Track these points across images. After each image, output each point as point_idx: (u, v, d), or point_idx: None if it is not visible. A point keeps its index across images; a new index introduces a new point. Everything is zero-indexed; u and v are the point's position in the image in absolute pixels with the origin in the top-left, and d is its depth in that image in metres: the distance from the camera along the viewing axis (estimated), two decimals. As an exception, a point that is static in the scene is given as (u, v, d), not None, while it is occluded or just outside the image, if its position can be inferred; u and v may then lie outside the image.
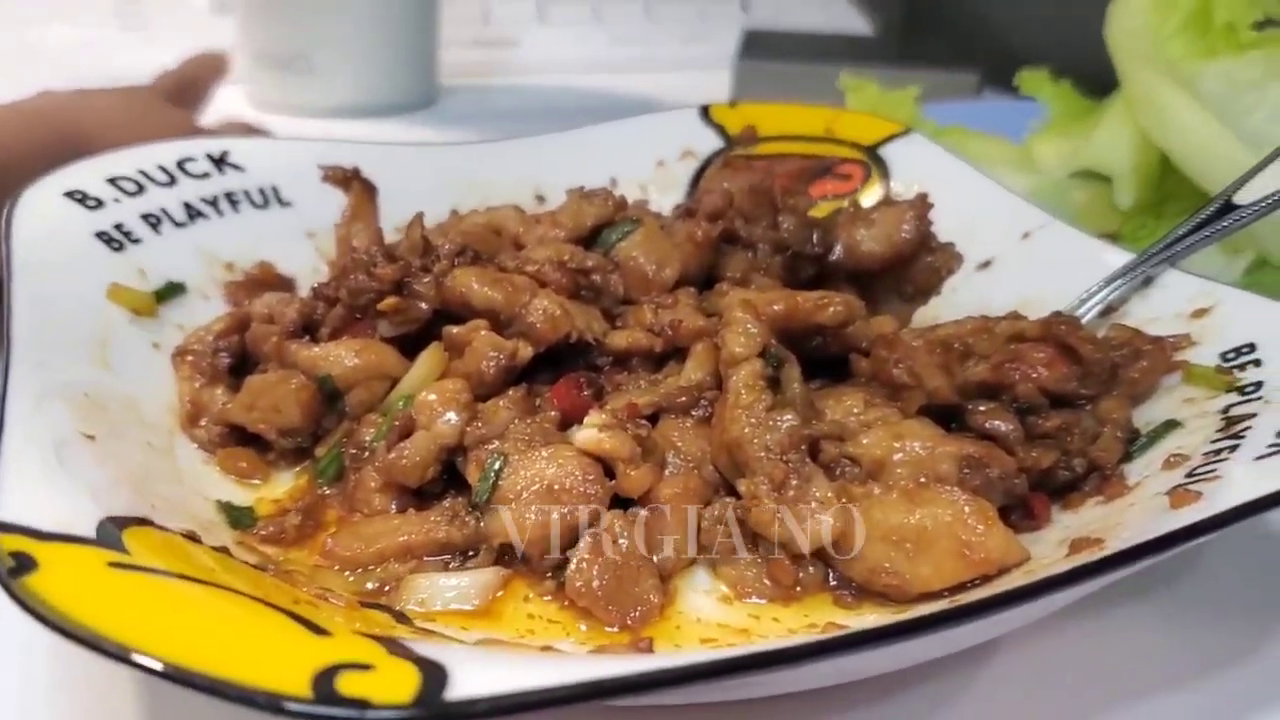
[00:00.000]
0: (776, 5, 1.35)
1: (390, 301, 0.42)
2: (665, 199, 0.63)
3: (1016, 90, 0.80)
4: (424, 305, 0.43)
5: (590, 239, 0.47)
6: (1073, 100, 0.76)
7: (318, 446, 0.42)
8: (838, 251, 0.49)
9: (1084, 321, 0.48)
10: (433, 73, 1.05)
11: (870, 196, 0.60)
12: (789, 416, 0.38)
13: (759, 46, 1.07)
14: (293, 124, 0.97)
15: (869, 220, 0.49)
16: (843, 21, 1.34)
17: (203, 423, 0.43)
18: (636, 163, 0.63)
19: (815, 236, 0.48)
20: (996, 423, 0.40)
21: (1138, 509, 0.36)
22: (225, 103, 1.01)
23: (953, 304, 0.53)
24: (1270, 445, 0.34)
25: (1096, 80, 0.74)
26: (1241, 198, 0.49)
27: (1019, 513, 0.39)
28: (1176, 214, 0.67)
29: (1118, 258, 0.49)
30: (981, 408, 0.41)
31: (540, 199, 0.61)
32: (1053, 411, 0.41)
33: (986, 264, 0.54)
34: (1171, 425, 0.40)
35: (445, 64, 1.10)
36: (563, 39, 1.24)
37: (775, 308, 0.42)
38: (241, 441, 0.43)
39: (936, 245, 0.49)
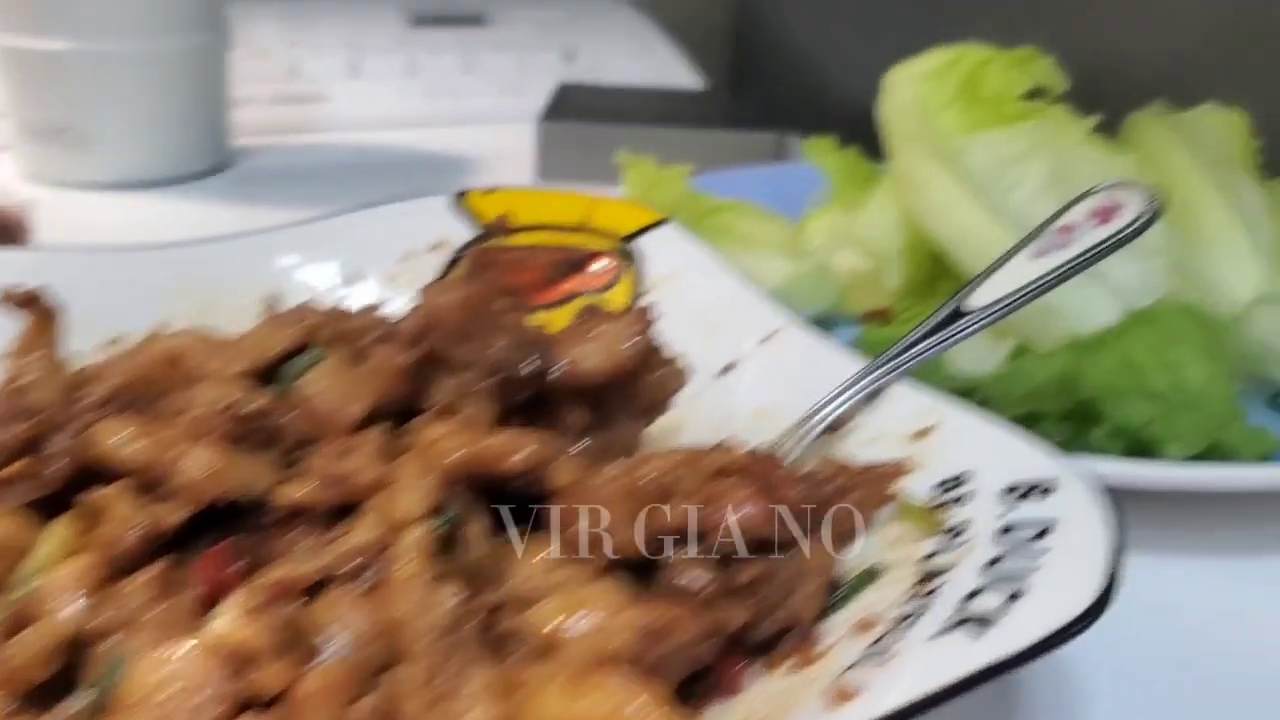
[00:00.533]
0: (601, 57, 1.32)
1: (16, 467, 0.37)
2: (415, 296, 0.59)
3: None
4: (59, 467, 0.38)
5: (276, 369, 0.43)
6: (858, 168, 0.74)
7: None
8: (558, 370, 0.45)
9: (811, 438, 0.45)
10: (223, 136, 1.00)
11: (620, 292, 0.57)
12: (451, 590, 0.34)
13: (567, 105, 1.04)
14: (67, 198, 0.92)
15: (590, 336, 0.46)
16: (672, 75, 1.31)
17: None
18: (381, 256, 0.59)
19: (533, 356, 0.45)
20: (690, 577, 0.37)
21: (818, 685, 0.33)
22: (-4, 173, 0.95)
23: (695, 412, 0.50)
24: (949, 619, 0.32)
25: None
26: (973, 302, 0.47)
27: (708, 681, 0.36)
28: (947, 293, 0.66)
29: (852, 364, 0.47)
30: (677, 558, 0.38)
31: (272, 301, 0.57)
32: (754, 559, 0.38)
33: (728, 369, 0.51)
34: (871, 575, 0.37)
35: (244, 123, 1.05)
36: (375, 93, 1.20)
37: (456, 456, 0.38)
38: None
39: (660, 361, 0.46)
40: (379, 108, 1.18)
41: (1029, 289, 0.46)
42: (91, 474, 0.39)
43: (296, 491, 0.39)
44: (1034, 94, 0.65)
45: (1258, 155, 0.67)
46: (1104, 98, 0.68)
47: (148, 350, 0.45)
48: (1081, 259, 0.47)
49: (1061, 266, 0.47)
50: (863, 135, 0.75)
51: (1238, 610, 0.49)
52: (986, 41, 0.67)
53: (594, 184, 0.73)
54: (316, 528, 0.39)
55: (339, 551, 0.37)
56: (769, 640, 0.37)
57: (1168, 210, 0.53)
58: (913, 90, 0.66)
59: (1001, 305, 0.46)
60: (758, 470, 0.39)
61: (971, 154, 0.62)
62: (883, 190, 0.66)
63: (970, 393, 0.55)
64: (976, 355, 0.58)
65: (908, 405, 0.44)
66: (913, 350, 0.45)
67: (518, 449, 0.38)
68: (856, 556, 0.39)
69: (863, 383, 0.45)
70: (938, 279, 0.65)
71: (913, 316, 0.63)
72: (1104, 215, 0.48)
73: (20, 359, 0.45)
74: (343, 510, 0.40)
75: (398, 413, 0.44)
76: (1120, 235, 0.47)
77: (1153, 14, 0.99)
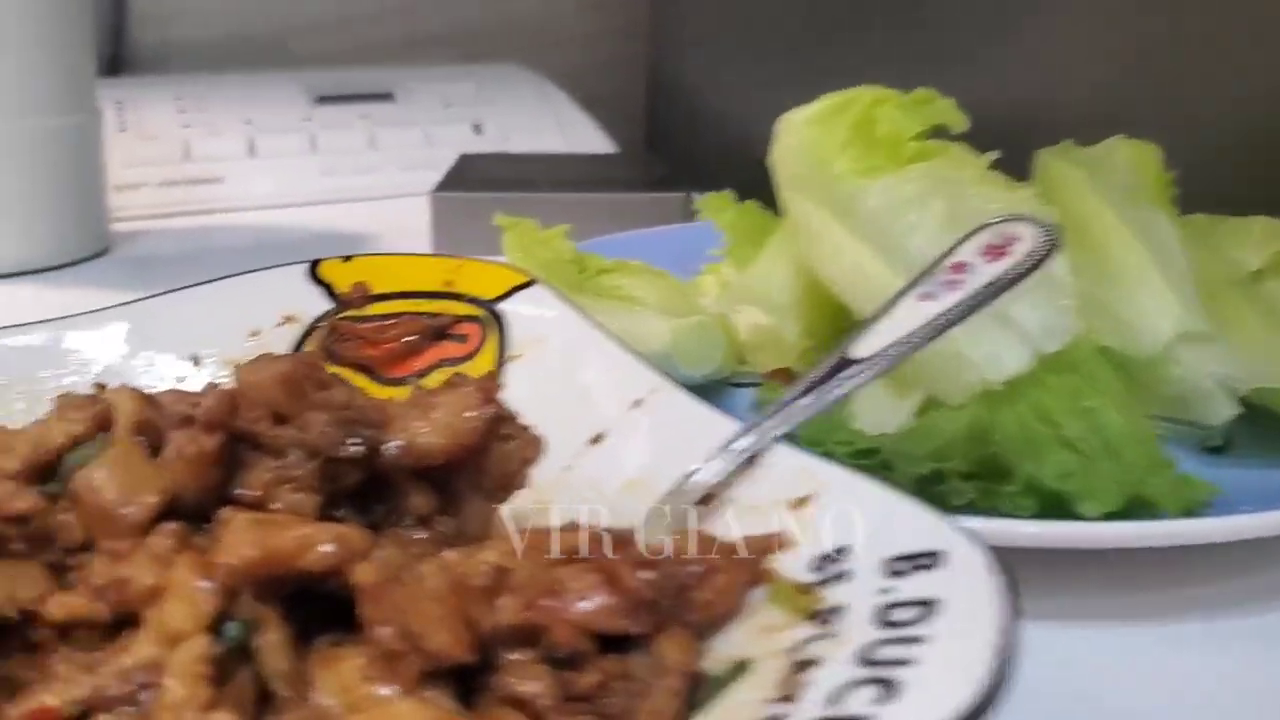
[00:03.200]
0: (511, 127, 1.28)
1: None
2: (260, 376, 0.53)
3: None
4: None
5: (57, 463, 0.38)
6: (756, 220, 0.70)
7: None
8: (393, 449, 0.40)
9: (683, 512, 0.40)
10: (101, 221, 0.94)
11: (485, 358, 0.52)
12: None
13: (469, 174, 1.00)
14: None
15: (429, 407, 0.40)
16: (584, 142, 1.28)
17: None
18: (224, 334, 0.54)
19: (356, 435, 0.39)
20: (525, 685, 0.31)
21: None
22: None
23: (566, 484, 0.45)
24: (809, 724, 0.26)
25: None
26: (859, 350, 0.42)
27: (543, 810, 0.30)
28: (851, 347, 0.61)
29: (728, 428, 0.42)
30: (511, 660, 0.32)
31: (98, 389, 0.51)
32: (602, 658, 0.32)
33: (599, 438, 0.46)
34: (740, 669, 0.32)
35: (130, 207, 1.00)
36: (273, 171, 1.15)
37: (244, 554, 0.32)
38: None
39: (511, 430, 0.41)
40: (277, 187, 1.14)
41: (919, 333, 0.42)
42: None
43: (68, 605, 0.33)
44: (933, 135, 0.61)
45: (1171, 188, 0.63)
46: (1011, 138, 0.64)
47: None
48: (974, 299, 0.42)
49: (952, 308, 0.42)
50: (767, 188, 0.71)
51: (1164, 675, 0.44)
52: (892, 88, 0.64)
53: (495, 254, 0.68)
54: (92, 644, 0.33)
55: (107, 673, 0.31)
56: (618, 754, 0.31)
57: (1069, 244, 0.49)
58: (803, 135, 0.62)
59: (889, 352, 0.41)
60: (604, 555, 0.33)
61: (867, 198, 0.58)
62: (775, 241, 0.61)
63: (872, 453, 0.50)
64: (880, 413, 0.53)
65: (787, 470, 0.39)
66: (794, 407, 0.40)
67: (315, 544, 0.33)
68: (724, 648, 0.33)
69: (739, 446, 0.40)
70: (841, 332, 0.60)
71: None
72: (996, 252, 0.44)
73: None
74: (122, 624, 0.34)
75: (204, 506, 0.38)
76: (1015, 272, 0.43)
77: (1061, 50, 0.97)
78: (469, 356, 0.52)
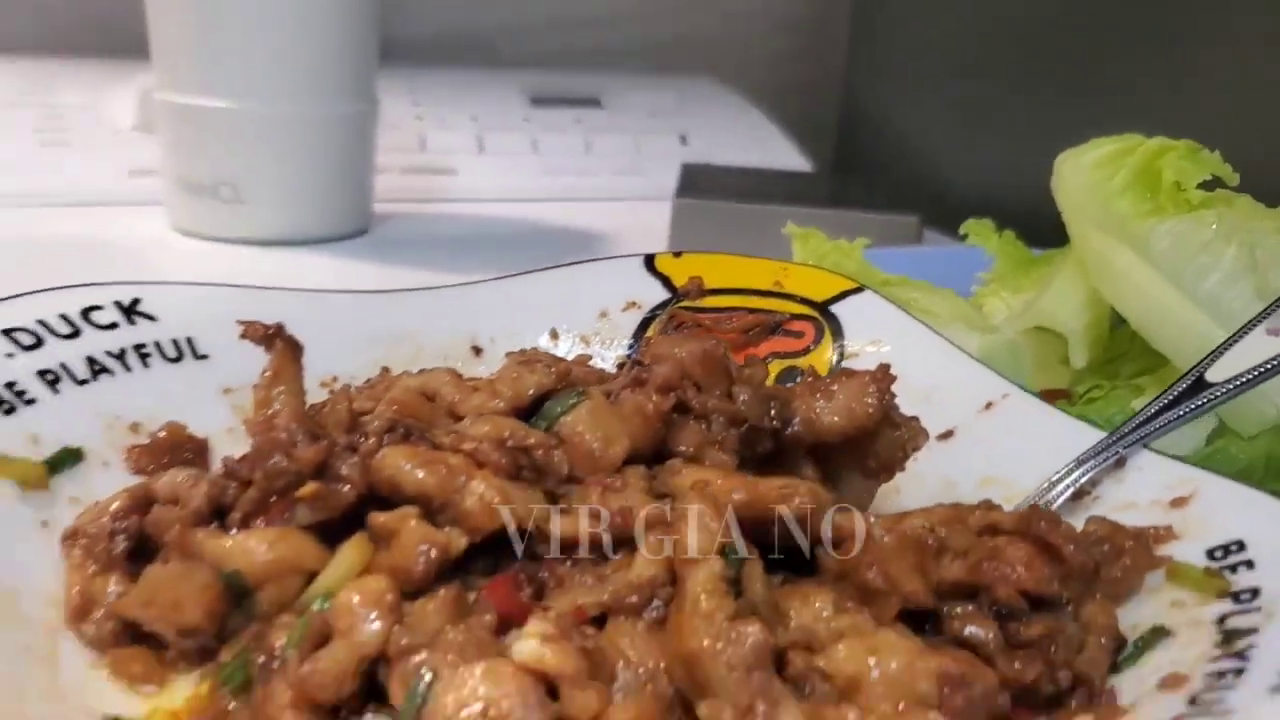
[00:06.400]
0: (714, 140, 1.34)
1: (310, 488, 0.38)
2: (608, 351, 0.59)
3: (953, 230, 0.79)
4: (348, 489, 0.39)
5: (532, 409, 0.44)
6: (1017, 252, 0.75)
7: (224, 647, 0.38)
8: (796, 425, 0.46)
9: (1055, 506, 0.45)
10: (367, 202, 1.02)
11: (823, 356, 0.57)
12: (754, 629, 0.34)
13: (697, 183, 1.06)
14: (216, 249, 0.94)
15: (828, 392, 0.46)
16: (781, 157, 1.34)
17: (93, 617, 0.38)
18: (578, 313, 0.60)
19: (773, 409, 0.45)
20: (975, 630, 0.37)
21: (1137, 738, 0.33)
22: (145, 223, 0.97)
23: (915, 476, 0.50)
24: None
25: (1036, 228, 0.73)
26: (1214, 375, 0.47)
27: (1002, 734, 0.35)
28: (1130, 374, 0.66)
29: (1084, 434, 0.47)
30: (959, 610, 0.38)
31: (477, 350, 0.58)
32: (1034, 616, 0.38)
33: (948, 434, 0.51)
34: (1160, 633, 0.37)
35: (379, 190, 1.08)
36: (499, 167, 1.22)
37: (735, 497, 0.38)
38: (136, 639, 0.38)
39: (899, 419, 0.46)
40: (504, 183, 1.21)
41: (1272, 363, 0.46)
42: (371, 501, 0.40)
43: (572, 525, 0.39)
44: (1209, 185, 0.66)
45: None
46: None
47: (401, 384, 0.46)
48: (1318, 338, 0.47)
49: (1300, 344, 0.47)
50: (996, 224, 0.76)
51: None
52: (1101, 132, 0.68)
53: None
54: (589, 560, 0.39)
55: (622, 584, 0.37)
56: (1056, 696, 0.37)
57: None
58: (1086, 176, 0.67)
59: (1245, 379, 0.46)
60: (1034, 528, 0.39)
61: (1157, 239, 0.62)
62: (1067, 270, 0.66)
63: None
64: (1173, 438, 0.57)
65: (1159, 474, 0.44)
66: (1156, 420, 0.45)
67: (795, 494, 0.39)
68: (1134, 618, 0.39)
69: (1107, 451, 0.45)
70: (1118, 359, 0.65)
71: (1094, 397, 0.63)
72: (1339, 296, 0.48)
73: (270, 389, 0.46)
74: (612, 545, 0.40)
75: (648, 458, 0.44)
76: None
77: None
78: (804, 352, 0.58)
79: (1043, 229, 0.71)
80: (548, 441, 0.41)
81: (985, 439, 0.50)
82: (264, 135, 0.92)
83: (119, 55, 1.16)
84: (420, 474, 0.39)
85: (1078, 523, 0.44)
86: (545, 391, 0.44)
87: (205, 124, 0.91)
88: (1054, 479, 0.46)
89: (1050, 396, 0.65)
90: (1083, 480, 0.45)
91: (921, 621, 0.38)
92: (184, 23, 0.89)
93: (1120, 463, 0.45)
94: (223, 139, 0.91)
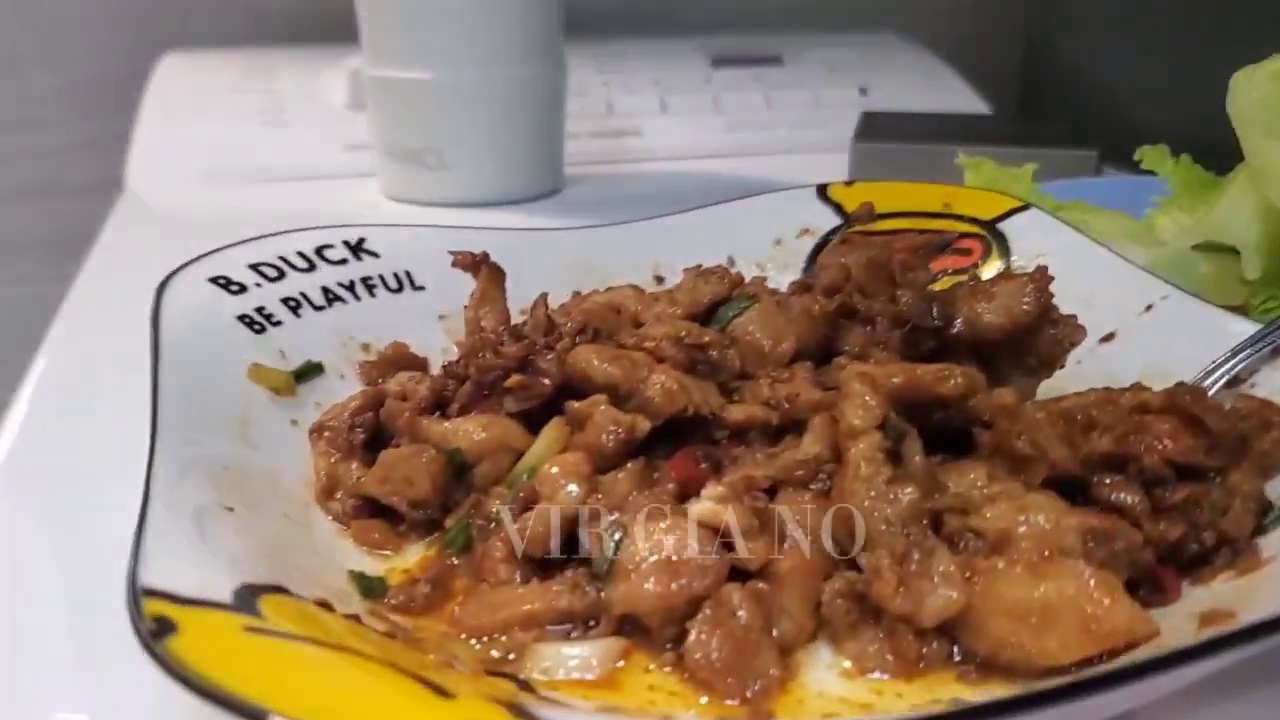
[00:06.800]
0: (894, 90, 1.35)
1: (515, 379, 0.44)
2: (783, 276, 0.63)
3: (1136, 166, 0.79)
4: (547, 381, 0.44)
5: (707, 316, 0.48)
6: (1192, 175, 0.75)
7: (447, 518, 0.44)
8: (958, 325, 0.49)
9: (1211, 393, 0.47)
10: (559, 164, 1.08)
11: (990, 271, 0.60)
12: (910, 489, 0.38)
13: (876, 128, 1.08)
14: (425, 213, 1.01)
15: (989, 293, 0.49)
16: (961, 103, 1.34)
17: (338, 496, 0.45)
18: (754, 241, 0.65)
19: (935, 310, 0.48)
20: (1122, 495, 0.39)
21: (1274, 583, 0.35)
22: (359, 193, 1.06)
23: (1077, 376, 0.52)
24: None
25: (1215, 155, 0.73)
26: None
27: (1147, 587, 0.38)
28: (1309, 286, 0.65)
29: (1243, 328, 0.48)
30: (1106, 480, 0.40)
31: (659, 279, 0.63)
32: (1179, 484, 0.40)
33: (1109, 337, 0.53)
34: (1306, 501, 0.39)
35: (570, 153, 1.14)
36: (682, 127, 1.27)
37: (894, 380, 0.42)
38: (374, 514, 0.45)
39: (1058, 317, 0.49)
40: (686, 141, 1.25)
41: None
42: (566, 392, 0.45)
43: (744, 411, 0.44)
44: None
45: None
46: None
47: (592, 300, 0.51)
48: None
49: None
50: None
51: None
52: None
53: None
54: (759, 444, 0.44)
55: (791, 459, 0.42)
56: (1201, 555, 0.39)
57: None
58: (1261, 89, 0.67)
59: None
60: (1182, 403, 0.41)
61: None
62: (1238, 184, 0.66)
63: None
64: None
65: (1314, 359, 0.45)
66: (1315, 310, 0.47)
67: (951, 376, 0.42)
68: (1282, 486, 0.41)
69: (1264, 340, 0.46)
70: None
71: (1269, 309, 0.63)
72: None
73: (479, 309, 0.52)
74: (780, 431, 0.44)
75: (815, 356, 0.48)
76: None
77: None
78: (973, 268, 0.61)
79: (1224, 158, 0.71)
80: (721, 340, 0.46)
81: (1146, 339, 0.52)
82: (461, 103, 0.99)
83: (329, 41, 1.26)
84: (608, 366, 0.44)
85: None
86: (719, 299, 0.49)
87: (407, 95, 0.99)
88: (1209, 368, 0.47)
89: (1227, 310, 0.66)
90: (1238, 368, 0.47)
91: (1073, 495, 0.41)
92: (386, 2, 0.97)
93: (1276, 351, 0.46)
94: (424, 108, 0.99)
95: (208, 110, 1.18)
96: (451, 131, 1.00)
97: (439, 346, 0.57)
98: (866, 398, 0.40)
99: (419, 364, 0.55)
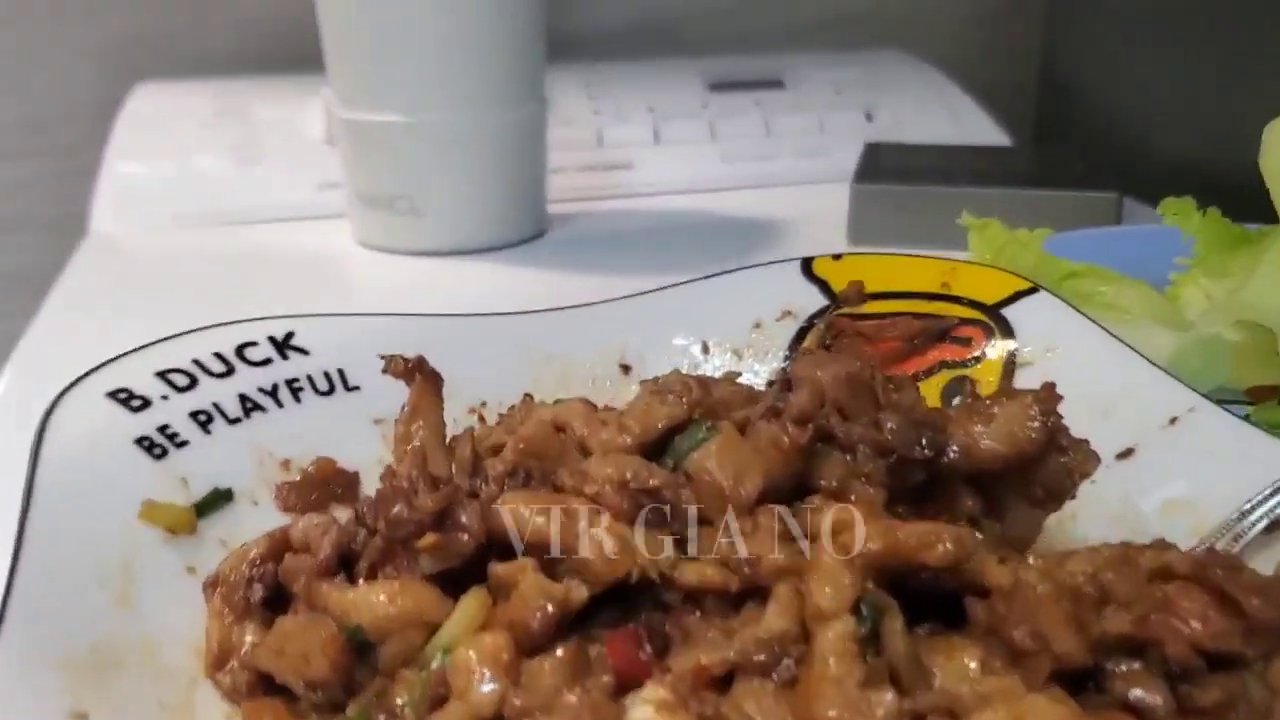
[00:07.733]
0: (902, 114, 1.28)
1: (429, 539, 0.37)
2: (762, 365, 0.57)
3: (1156, 196, 0.73)
4: (467, 538, 0.38)
5: (663, 443, 0.42)
6: (1221, 230, 0.68)
7: (350, 701, 0.38)
8: (952, 452, 0.42)
9: (1249, 539, 0.41)
10: (542, 204, 1.02)
11: (992, 363, 0.53)
12: (888, 698, 0.32)
13: (878, 167, 1.01)
14: (396, 261, 0.95)
15: (987, 415, 0.43)
16: (976, 129, 1.27)
17: (230, 666, 0.39)
18: (731, 324, 0.58)
19: (925, 438, 0.42)
20: (1142, 693, 0.33)
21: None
22: (331, 236, 1.00)
23: (1095, 499, 0.46)
24: None
25: (1246, 201, 0.66)
26: None
27: (1173, 816, 0.32)
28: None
29: (1285, 454, 0.42)
30: (1123, 669, 0.34)
31: (625, 368, 0.57)
32: (1211, 678, 0.33)
33: (1128, 453, 0.47)
34: (1369, 703, 0.32)
35: (555, 190, 1.08)
36: (677, 158, 1.20)
37: (870, 547, 0.36)
38: (270, 690, 0.38)
39: (1068, 443, 0.42)
40: (681, 174, 1.19)
41: None
42: (493, 546, 0.39)
43: (698, 573, 0.38)
44: None
45: None
46: None
47: (534, 418, 0.45)
48: None
49: None
50: (1204, 197, 0.69)
51: None
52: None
53: (912, 247, 0.69)
54: (717, 611, 0.38)
55: (751, 637, 0.35)
56: (1239, 772, 0.33)
57: None
58: (1301, 147, 0.60)
59: None
60: (1213, 576, 0.34)
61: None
62: (1274, 254, 0.60)
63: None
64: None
65: (1371, 504, 0.38)
66: (1369, 440, 0.40)
67: (938, 541, 0.36)
68: (1336, 680, 0.34)
69: (1309, 475, 0.40)
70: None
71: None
72: None
73: (408, 426, 0.46)
74: (742, 594, 0.38)
75: (785, 493, 0.42)
76: None
77: None
78: (973, 360, 0.54)
79: (1256, 204, 0.64)
80: (674, 481, 0.40)
81: (1169, 459, 0.46)
82: (434, 147, 0.92)
83: (311, 68, 1.20)
84: (537, 523, 0.37)
85: (1277, 556, 0.39)
86: (675, 424, 0.42)
87: (377, 139, 0.93)
88: (1247, 507, 0.41)
89: (1260, 394, 0.59)
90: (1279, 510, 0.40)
91: (1083, 679, 0.35)
92: (352, 40, 0.91)
93: (1326, 489, 0.40)
94: (394, 153, 0.93)
95: (177, 147, 1.12)
96: (423, 177, 0.94)
97: (375, 457, 0.50)
98: (837, 571, 0.34)
99: (348, 481, 0.49)
